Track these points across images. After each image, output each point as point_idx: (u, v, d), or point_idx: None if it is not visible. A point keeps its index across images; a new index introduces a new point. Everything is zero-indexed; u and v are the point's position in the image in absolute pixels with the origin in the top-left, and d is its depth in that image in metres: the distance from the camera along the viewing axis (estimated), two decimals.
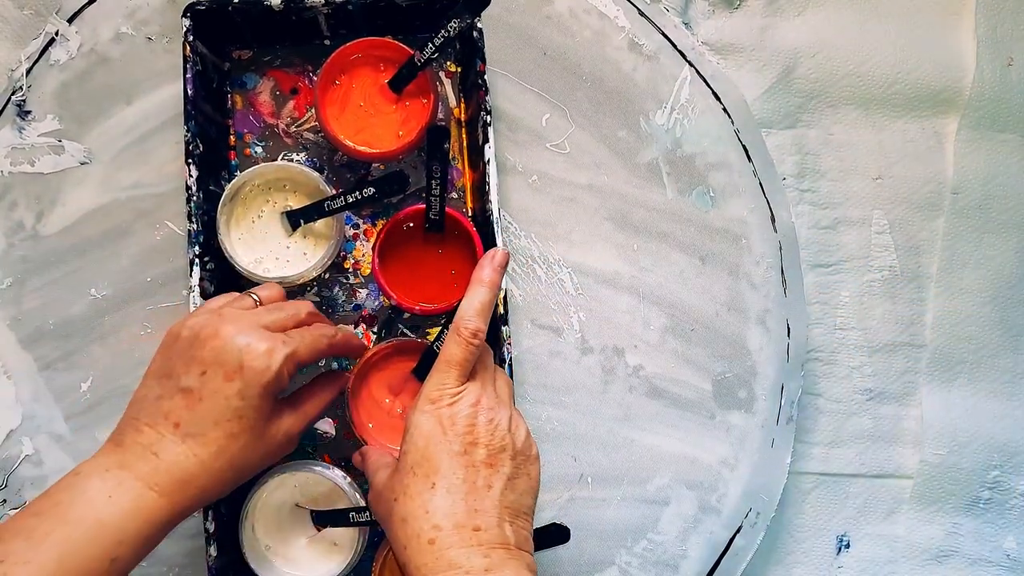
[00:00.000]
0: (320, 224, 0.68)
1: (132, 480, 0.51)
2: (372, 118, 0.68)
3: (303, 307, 0.61)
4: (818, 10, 0.79)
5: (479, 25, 0.68)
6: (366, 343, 0.66)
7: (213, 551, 0.64)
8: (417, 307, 0.66)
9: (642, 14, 0.76)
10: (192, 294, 0.65)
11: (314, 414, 0.61)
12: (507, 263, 0.60)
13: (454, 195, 0.74)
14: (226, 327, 0.55)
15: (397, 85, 0.67)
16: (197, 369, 0.54)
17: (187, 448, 0.53)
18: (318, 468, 0.66)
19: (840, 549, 0.77)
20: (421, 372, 0.66)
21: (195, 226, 0.65)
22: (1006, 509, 0.78)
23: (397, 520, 0.52)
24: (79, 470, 0.52)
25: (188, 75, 0.66)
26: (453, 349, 0.56)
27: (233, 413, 0.54)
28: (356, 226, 0.73)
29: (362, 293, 0.72)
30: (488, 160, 0.67)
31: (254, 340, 0.54)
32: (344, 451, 0.71)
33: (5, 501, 0.71)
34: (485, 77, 0.68)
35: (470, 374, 0.57)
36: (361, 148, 0.67)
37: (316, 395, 0.62)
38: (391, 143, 0.67)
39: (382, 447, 0.66)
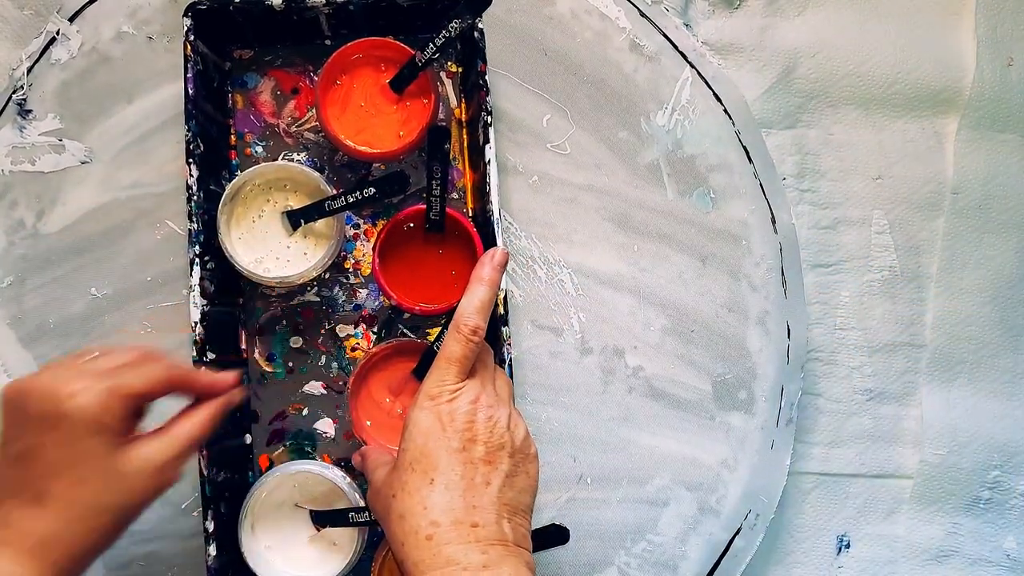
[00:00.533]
0: (320, 224, 0.68)
1: (7, 549, 0.50)
2: (373, 118, 0.68)
3: (141, 348, 0.57)
4: (818, 10, 0.79)
5: (480, 25, 0.68)
6: (234, 382, 0.60)
7: (212, 551, 0.64)
8: (417, 307, 0.66)
9: (643, 15, 0.76)
10: (192, 293, 0.65)
11: (187, 439, 0.56)
12: (507, 262, 0.60)
13: (454, 195, 0.74)
14: (39, 379, 0.52)
15: (398, 85, 0.67)
16: (19, 430, 0.52)
17: (37, 511, 0.51)
18: (317, 468, 0.66)
19: (840, 549, 0.77)
20: (421, 372, 0.65)
21: (195, 225, 0.65)
22: (1006, 509, 0.78)
23: (395, 516, 0.52)
24: None
25: (189, 74, 0.66)
26: (453, 346, 0.56)
27: (68, 461, 0.51)
28: (356, 226, 0.73)
29: (362, 293, 0.72)
30: (489, 160, 0.67)
31: (68, 382, 0.51)
32: (343, 451, 0.71)
33: None
34: (486, 78, 0.68)
35: (470, 372, 0.56)
36: (362, 148, 0.67)
37: (188, 417, 0.57)
38: (392, 143, 0.67)
39: (381, 447, 0.66)
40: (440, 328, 0.63)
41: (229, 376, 0.60)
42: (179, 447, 0.55)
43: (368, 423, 0.67)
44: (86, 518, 0.51)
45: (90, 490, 0.51)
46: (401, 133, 0.68)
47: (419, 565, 0.50)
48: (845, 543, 0.77)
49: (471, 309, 0.56)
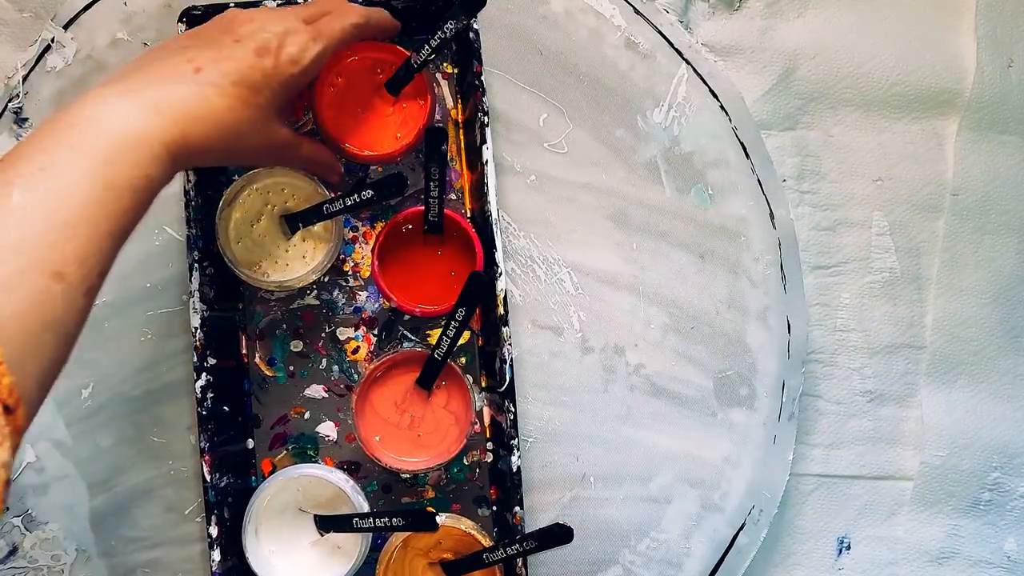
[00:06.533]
0: (319, 227, 0.68)
1: (155, 113, 0.49)
2: (370, 121, 0.68)
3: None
4: (818, 12, 0.79)
5: (475, 26, 0.68)
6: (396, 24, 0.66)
7: (216, 556, 0.64)
8: (417, 309, 0.66)
9: (638, 13, 0.76)
10: (192, 299, 0.65)
11: (309, 155, 0.64)
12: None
13: (452, 196, 0.74)
14: (268, 13, 0.57)
15: (394, 87, 0.67)
16: (231, 38, 0.54)
17: (203, 89, 0.52)
18: (320, 471, 0.66)
19: (841, 551, 0.77)
20: (425, 381, 0.66)
21: (194, 231, 0.65)
22: (1006, 511, 0.78)
23: None
24: (96, 94, 0.49)
25: None
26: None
27: (252, 84, 0.54)
28: (355, 228, 0.73)
29: (362, 296, 0.72)
30: (486, 161, 0.67)
31: (292, 28, 0.56)
32: (346, 454, 0.72)
33: (8, 509, 0.71)
34: (482, 78, 0.68)
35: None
36: (359, 151, 0.67)
37: (317, 145, 0.65)
38: (389, 145, 0.67)
39: (394, 460, 0.66)
40: (441, 331, 0.63)
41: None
42: (300, 152, 0.62)
43: (377, 438, 0.67)
44: (228, 127, 0.53)
45: (247, 115, 0.54)
46: (398, 135, 0.68)
47: None
48: (846, 545, 0.77)
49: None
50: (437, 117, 0.74)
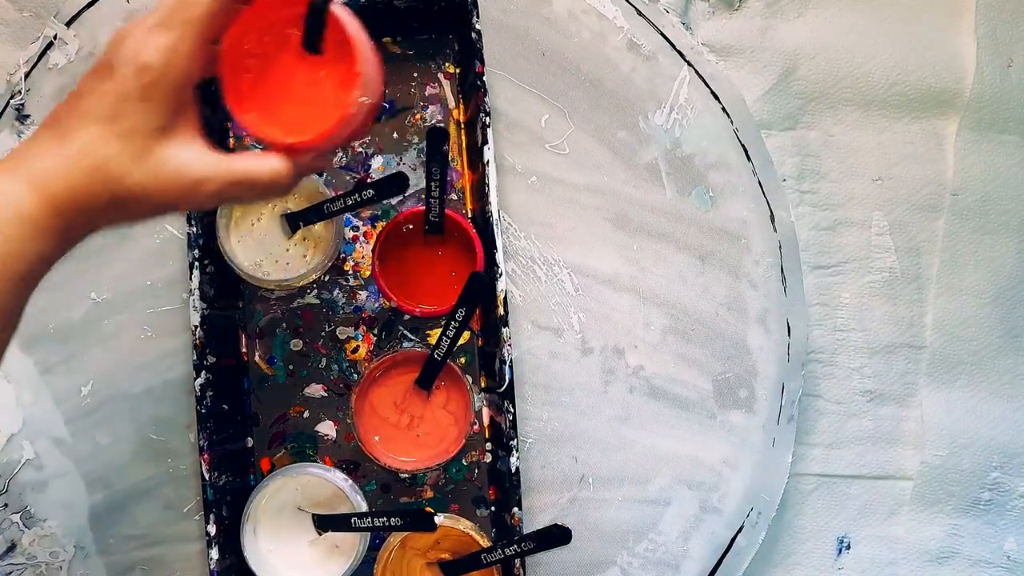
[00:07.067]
0: (320, 226, 0.68)
1: (9, 175, 0.45)
2: (306, 96, 0.52)
3: None
4: (818, 11, 0.79)
5: (478, 27, 0.68)
6: None
7: (214, 554, 0.64)
8: (417, 309, 0.66)
9: (640, 14, 0.76)
10: (192, 297, 0.65)
11: (241, 175, 0.49)
12: None
13: (453, 196, 0.74)
14: (125, 29, 0.47)
15: (312, 42, 0.51)
16: (86, 77, 0.48)
17: (54, 141, 0.46)
18: (319, 471, 0.66)
19: (841, 551, 0.77)
20: (425, 381, 0.66)
21: (195, 229, 0.65)
22: (1006, 510, 0.78)
23: None
24: None
25: None
26: None
27: (102, 114, 0.46)
28: (355, 228, 0.73)
29: (362, 295, 0.72)
30: (487, 161, 0.67)
31: (141, 32, 0.46)
32: (345, 454, 0.72)
33: (7, 505, 0.71)
34: (484, 79, 0.68)
35: None
36: (316, 138, 0.51)
37: (254, 157, 0.50)
38: (340, 107, 0.51)
39: (393, 460, 0.66)
40: (440, 331, 0.63)
41: None
42: (224, 178, 0.48)
43: (376, 438, 0.67)
44: (89, 171, 0.46)
45: (108, 151, 0.46)
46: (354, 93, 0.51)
47: None
48: (845, 544, 0.77)
49: None
50: (439, 117, 0.74)
